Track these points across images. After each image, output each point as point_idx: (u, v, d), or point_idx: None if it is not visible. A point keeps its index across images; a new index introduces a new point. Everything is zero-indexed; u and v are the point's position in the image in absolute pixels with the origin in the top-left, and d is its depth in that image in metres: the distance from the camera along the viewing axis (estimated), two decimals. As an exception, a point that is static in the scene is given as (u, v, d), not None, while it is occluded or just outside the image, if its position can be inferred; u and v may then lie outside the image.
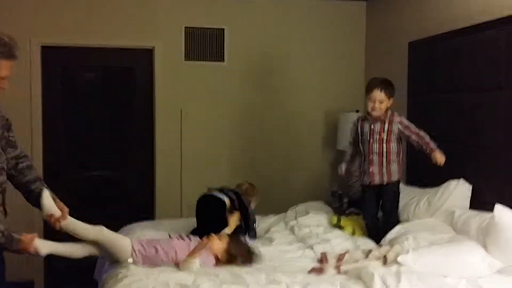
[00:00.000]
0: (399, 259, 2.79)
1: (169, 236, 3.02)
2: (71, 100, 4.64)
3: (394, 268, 2.70)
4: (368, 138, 3.45)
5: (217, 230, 3.20)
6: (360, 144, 3.54)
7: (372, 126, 3.44)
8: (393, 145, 3.41)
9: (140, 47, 4.69)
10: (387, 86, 3.37)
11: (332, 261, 2.92)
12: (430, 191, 3.60)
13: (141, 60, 4.74)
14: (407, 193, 3.72)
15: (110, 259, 2.80)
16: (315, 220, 3.75)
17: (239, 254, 2.88)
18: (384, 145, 3.40)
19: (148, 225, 3.64)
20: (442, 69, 3.81)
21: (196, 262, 2.71)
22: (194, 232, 3.40)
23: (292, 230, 3.62)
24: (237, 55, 4.85)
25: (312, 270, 2.80)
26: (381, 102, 3.34)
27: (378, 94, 3.34)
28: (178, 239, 2.93)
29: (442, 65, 3.82)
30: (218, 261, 2.86)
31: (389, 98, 3.37)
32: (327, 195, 4.73)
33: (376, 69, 4.94)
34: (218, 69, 4.81)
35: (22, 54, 4.37)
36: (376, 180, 3.44)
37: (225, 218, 3.33)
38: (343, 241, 3.30)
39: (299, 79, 5.01)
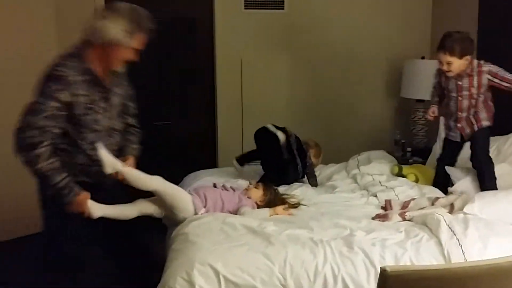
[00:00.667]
0: (465, 209, 2.74)
1: (214, 185, 3.04)
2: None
3: (461, 215, 2.66)
4: (456, 95, 3.16)
5: (272, 162, 3.42)
6: (445, 99, 3.28)
7: (459, 82, 3.12)
8: (483, 96, 3.12)
9: (200, -4, 4.69)
10: (455, 47, 2.99)
11: (396, 208, 2.90)
12: (499, 138, 3.47)
13: (202, 9, 4.73)
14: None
15: (169, 217, 2.77)
16: (377, 169, 3.70)
17: (275, 199, 2.99)
18: (474, 99, 3.12)
19: (213, 173, 3.73)
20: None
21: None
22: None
23: (354, 178, 3.59)
24: (297, 2, 4.76)
25: (377, 216, 2.80)
26: (449, 64, 3.04)
27: (443, 57, 3.04)
28: (222, 189, 2.98)
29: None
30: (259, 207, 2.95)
31: (460, 57, 3.01)
32: (390, 144, 4.67)
33: (443, 13, 4.72)
34: (278, 17, 4.75)
35: (87, 7, 4.52)
36: (467, 134, 3.19)
37: (279, 152, 3.38)
38: (408, 189, 3.25)
39: (361, 25, 4.86)
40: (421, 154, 4.32)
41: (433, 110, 3.34)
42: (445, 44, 3.03)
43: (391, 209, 2.91)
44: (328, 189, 3.41)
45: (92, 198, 2.44)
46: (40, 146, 2.27)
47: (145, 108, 4.85)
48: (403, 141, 4.55)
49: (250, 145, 3.72)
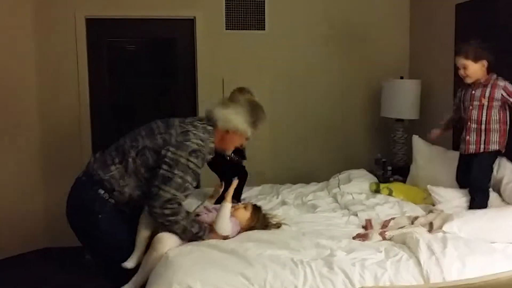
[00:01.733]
0: (444, 228, 2.76)
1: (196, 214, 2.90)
2: (116, 71, 4.73)
3: (440, 234, 2.68)
4: (468, 105, 3.19)
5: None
6: (462, 112, 3.31)
7: (473, 91, 3.16)
8: (495, 112, 3.11)
9: (181, 17, 4.71)
10: (469, 50, 3.09)
11: (377, 227, 2.92)
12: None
13: (183, 30, 4.76)
14: (451, 158, 3.66)
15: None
16: (357, 188, 3.74)
17: (260, 224, 2.89)
18: (484, 112, 3.11)
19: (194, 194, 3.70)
20: (491, 31, 3.67)
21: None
22: None
23: (335, 197, 3.61)
24: (277, 23, 4.81)
25: (357, 236, 2.81)
26: (465, 68, 3.11)
27: (459, 60, 3.12)
28: (206, 212, 2.87)
29: (492, 27, 3.67)
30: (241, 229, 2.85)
31: (474, 61, 3.09)
32: (371, 162, 4.70)
33: (421, 33, 4.80)
34: (259, 37, 4.79)
35: (67, 26, 4.53)
36: (471, 149, 3.16)
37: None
38: (389, 208, 3.27)
39: (341, 45, 4.93)
40: (402, 172, 4.35)
41: (436, 133, 3.55)
42: (461, 48, 3.14)
43: (372, 228, 2.92)
44: (310, 208, 3.42)
45: None
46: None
47: (126, 130, 4.87)
48: (383, 160, 4.58)
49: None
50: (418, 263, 2.41)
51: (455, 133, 4.11)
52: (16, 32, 4.44)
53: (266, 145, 4.71)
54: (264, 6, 4.75)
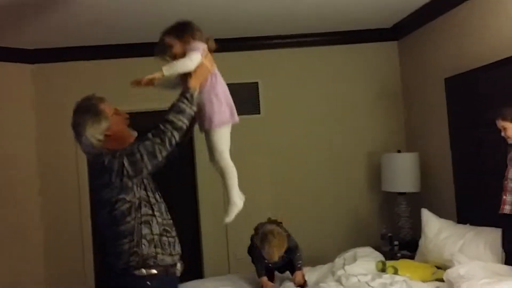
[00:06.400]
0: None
1: None
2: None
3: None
4: (506, 164, 3.15)
5: None
6: None
7: (509, 152, 3.14)
8: None
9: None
10: (506, 112, 3.07)
11: (384, 312, 2.82)
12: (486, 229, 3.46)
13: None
14: (461, 232, 3.62)
15: None
16: (363, 268, 3.63)
17: None
18: None
19: (196, 285, 3.63)
20: (482, 102, 3.73)
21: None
22: None
23: (339, 280, 3.51)
24: (272, 106, 4.91)
25: (364, 324, 2.72)
26: (505, 129, 3.09)
27: (498, 123, 3.11)
28: None
29: (482, 99, 3.73)
30: None
31: None
32: (376, 237, 4.62)
33: (414, 107, 4.87)
34: (255, 121, 4.87)
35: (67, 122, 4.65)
36: (506, 209, 3.07)
37: None
38: (397, 291, 3.17)
39: (338, 123, 5.00)
40: (409, 247, 4.27)
41: None
42: (499, 110, 3.11)
43: (380, 314, 2.83)
44: (315, 293, 3.33)
45: None
46: None
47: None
48: (389, 234, 4.52)
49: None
50: None
51: (458, 205, 4.08)
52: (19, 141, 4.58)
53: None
54: (258, 90, 4.87)
